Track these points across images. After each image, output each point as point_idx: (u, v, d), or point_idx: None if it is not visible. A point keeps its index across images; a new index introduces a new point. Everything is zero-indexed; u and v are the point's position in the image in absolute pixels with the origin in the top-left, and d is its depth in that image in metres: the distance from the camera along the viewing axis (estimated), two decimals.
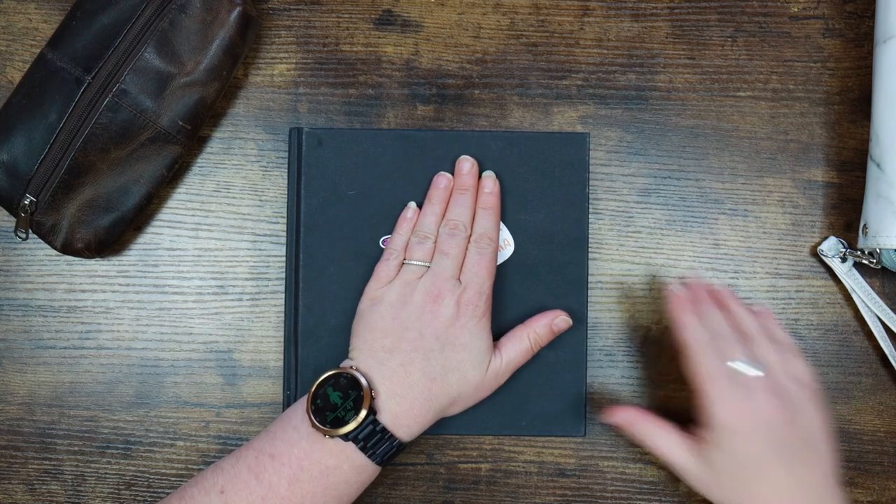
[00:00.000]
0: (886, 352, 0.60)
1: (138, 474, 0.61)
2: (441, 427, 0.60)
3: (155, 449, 0.61)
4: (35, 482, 0.61)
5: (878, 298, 0.60)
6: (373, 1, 0.62)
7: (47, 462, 0.61)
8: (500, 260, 0.59)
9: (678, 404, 0.61)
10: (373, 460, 0.51)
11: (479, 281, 0.54)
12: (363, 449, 0.50)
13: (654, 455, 0.54)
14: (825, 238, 0.61)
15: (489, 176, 0.58)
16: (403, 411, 0.51)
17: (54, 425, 0.61)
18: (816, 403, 0.52)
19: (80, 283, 0.61)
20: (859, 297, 0.60)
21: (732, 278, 0.62)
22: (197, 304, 0.61)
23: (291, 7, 0.62)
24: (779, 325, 0.56)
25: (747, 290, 0.62)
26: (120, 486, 0.61)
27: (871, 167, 0.57)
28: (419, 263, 0.55)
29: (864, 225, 0.57)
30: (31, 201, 0.55)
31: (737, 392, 0.50)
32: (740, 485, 0.50)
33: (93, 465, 0.61)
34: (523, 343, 0.56)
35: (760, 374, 0.51)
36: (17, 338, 0.61)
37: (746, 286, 0.62)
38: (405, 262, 0.56)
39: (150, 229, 0.62)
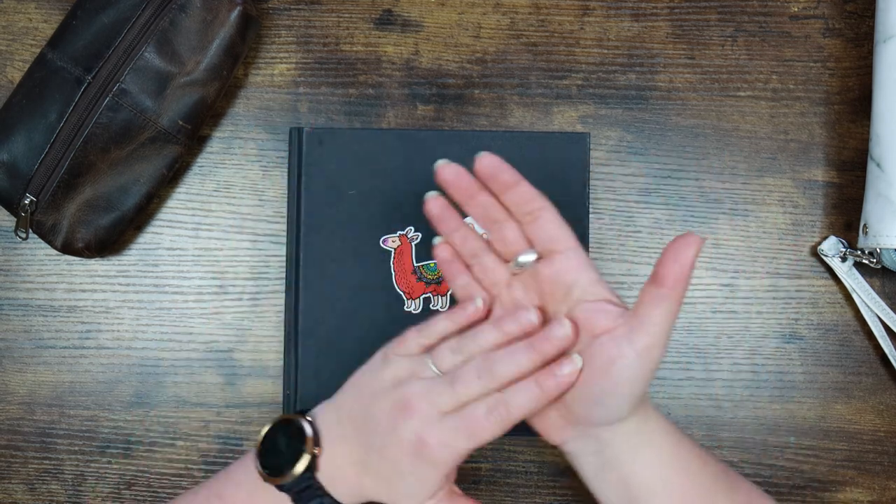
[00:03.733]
0: (886, 352, 0.60)
1: (138, 474, 0.61)
2: None
3: (155, 449, 0.61)
4: (35, 482, 0.61)
5: (878, 298, 0.60)
6: (373, 1, 0.62)
7: (47, 462, 0.61)
8: None
9: (678, 404, 0.61)
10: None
11: (457, 440, 0.44)
12: (293, 494, 0.46)
13: None
14: (825, 238, 0.61)
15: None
16: (341, 476, 0.46)
17: (54, 425, 0.61)
18: None
19: (80, 283, 0.61)
20: (859, 296, 0.60)
21: (732, 278, 0.62)
22: (197, 304, 0.61)
23: (291, 7, 0.62)
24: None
25: (747, 290, 0.62)
26: (120, 486, 0.61)
27: (871, 167, 0.57)
28: (434, 370, 0.46)
29: (865, 225, 0.57)
30: (32, 201, 0.55)
31: None
32: None
33: (93, 465, 0.61)
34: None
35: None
36: (17, 338, 0.61)
37: (746, 286, 0.62)
38: (429, 354, 0.47)
39: (150, 229, 0.62)
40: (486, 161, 0.46)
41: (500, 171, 0.46)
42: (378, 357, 0.48)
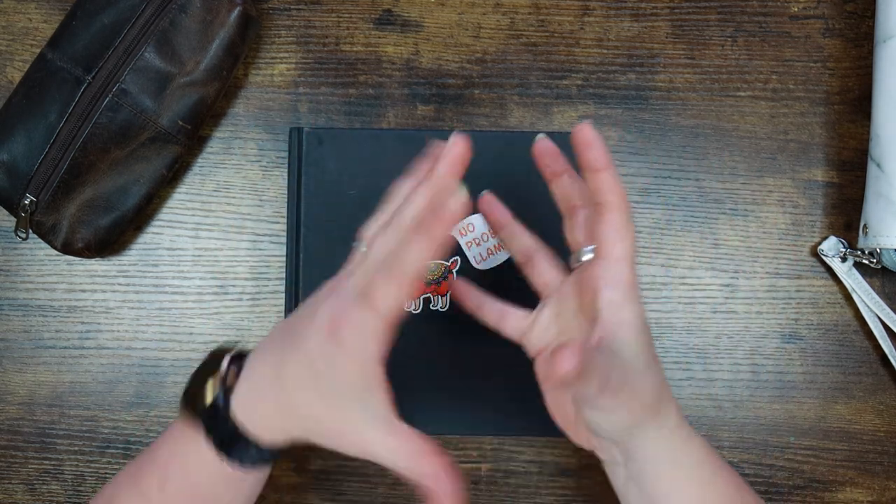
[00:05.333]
0: (886, 352, 0.60)
1: None
2: (441, 427, 0.60)
3: None
4: (35, 482, 0.61)
5: (878, 298, 0.60)
6: (373, 1, 0.62)
7: (47, 462, 0.61)
8: (500, 261, 0.59)
9: (681, 403, 0.61)
10: (216, 448, 0.43)
11: (363, 310, 0.41)
12: (208, 431, 0.42)
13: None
14: (825, 238, 0.61)
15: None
16: (261, 404, 0.43)
17: (54, 425, 0.61)
18: None
19: (80, 283, 0.61)
20: (859, 296, 0.60)
21: (732, 278, 0.62)
22: (197, 304, 0.61)
23: (291, 7, 0.62)
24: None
25: (747, 290, 0.61)
26: None
27: (871, 167, 0.57)
28: (363, 251, 0.45)
29: (864, 225, 0.57)
30: (32, 201, 0.55)
31: None
32: None
33: (93, 465, 0.61)
34: None
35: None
36: (17, 338, 0.61)
37: (746, 286, 0.62)
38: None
39: (150, 229, 0.62)
40: (585, 133, 0.43)
41: (593, 148, 0.43)
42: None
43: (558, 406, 0.47)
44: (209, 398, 0.43)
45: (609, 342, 0.42)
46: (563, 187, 0.48)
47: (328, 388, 0.41)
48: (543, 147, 0.48)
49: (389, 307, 0.40)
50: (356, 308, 0.40)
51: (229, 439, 0.43)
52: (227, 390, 0.43)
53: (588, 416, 0.44)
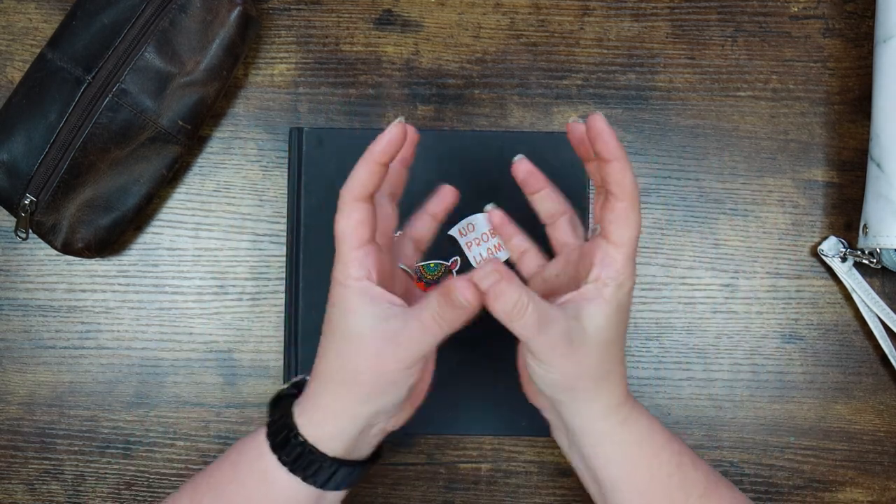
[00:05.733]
0: (886, 351, 0.60)
1: (138, 474, 0.61)
2: (441, 427, 0.60)
3: (155, 449, 0.61)
4: (35, 482, 0.61)
5: (878, 298, 0.60)
6: (373, 1, 0.62)
7: (47, 462, 0.61)
8: (500, 260, 0.59)
9: (678, 404, 0.61)
10: (275, 453, 0.45)
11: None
12: (274, 448, 0.44)
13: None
14: (825, 238, 0.61)
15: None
16: (322, 402, 0.45)
17: (54, 425, 0.61)
18: None
19: (80, 283, 0.61)
20: (859, 296, 0.60)
21: (732, 278, 0.62)
22: (197, 304, 0.61)
23: (291, 7, 0.62)
24: None
25: (747, 290, 0.61)
26: (120, 486, 0.61)
27: (871, 167, 0.57)
28: None
29: (864, 225, 0.57)
30: (32, 201, 0.55)
31: None
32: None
33: (93, 465, 0.61)
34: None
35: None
36: (17, 338, 0.61)
37: (746, 286, 0.62)
38: None
39: (150, 229, 0.62)
40: (597, 124, 0.44)
41: (603, 139, 0.44)
42: None
43: (522, 361, 0.49)
44: (280, 396, 0.47)
45: (576, 308, 0.44)
46: (542, 201, 0.52)
47: (345, 342, 0.44)
48: (522, 168, 0.51)
49: (347, 230, 0.45)
50: (336, 264, 0.44)
51: (282, 438, 0.45)
52: (290, 403, 0.46)
53: (530, 366, 0.45)
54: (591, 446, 0.47)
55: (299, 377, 0.49)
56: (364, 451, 0.47)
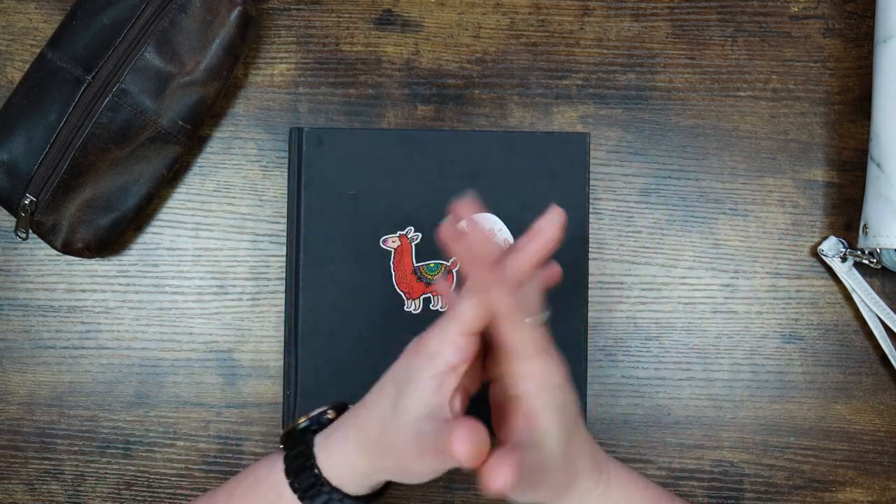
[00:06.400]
0: (886, 351, 0.60)
1: (138, 474, 0.61)
2: None
3: (155, 449, 0.61)
4: (35, 482, 0.61)
5: (878, 298, 0.60)
6: (373, 1, 0.62)
7: (47, 462, 0.61)
8: None
9: (679, 404, 0.61)
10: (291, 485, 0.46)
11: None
12: (288, 473, 0.46)
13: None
14: (825, 238, 0.61)
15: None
16: (343, 444, 0.47)
17: (54, 425, 0.61)
18: None
19: (80, 283, 0.61)
20: (859, 296, 0.60)
21: (732, 278, 0.62)
22: (197, 304, 0.61)
23: (291, 7, 0.62)
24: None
25: (747, 290, 0.62)
26: (120, 486, 0.61)
27: (871, 167, 0.57)
28: None
29: (864, 225, 0.57)
30: (32, 201, 0.55)
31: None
32: None
33: (93, 465, 0.61)
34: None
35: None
36: (17, 338, 0.61)
37: (746, 286, 0.62)
38: None
39: (150, 229, 0.62)
40: (555, 218, 0.46)
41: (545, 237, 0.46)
42: None
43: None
44: (298, 428, 0.49)
45: (529, 434, 0.43)
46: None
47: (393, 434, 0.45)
48: (448, 231, 0.45)
49: (469, 312, 0.43)
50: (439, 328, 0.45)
51: (300, 470, 0.46)
52: (311, 434, 0.48)
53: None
54: None
55: (319, 411, 0.50)
56: (374, 486, 0.49)
